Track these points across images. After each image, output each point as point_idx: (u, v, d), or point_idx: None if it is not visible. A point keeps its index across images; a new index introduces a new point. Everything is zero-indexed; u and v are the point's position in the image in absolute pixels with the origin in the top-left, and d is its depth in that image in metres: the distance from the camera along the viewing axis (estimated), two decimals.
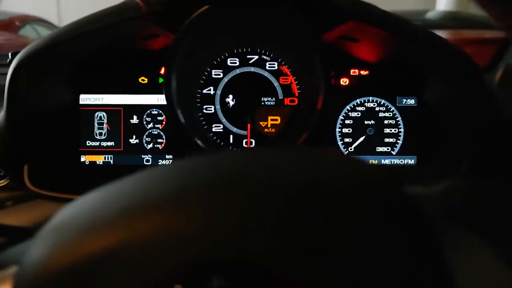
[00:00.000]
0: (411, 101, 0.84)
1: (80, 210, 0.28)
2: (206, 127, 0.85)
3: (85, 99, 0.83)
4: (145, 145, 0.84)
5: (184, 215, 0.26)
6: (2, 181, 0.71)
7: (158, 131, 0.84)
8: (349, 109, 0.84)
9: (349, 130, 0.84)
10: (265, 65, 0.85)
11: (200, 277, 0.26)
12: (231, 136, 0.86)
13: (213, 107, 0.85)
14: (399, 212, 0.28)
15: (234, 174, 0.28)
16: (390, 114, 0.84)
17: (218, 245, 0.25)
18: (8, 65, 0.82)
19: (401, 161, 0.84)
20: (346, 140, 0.84)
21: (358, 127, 0.84)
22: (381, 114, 0.84)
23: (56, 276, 0.25)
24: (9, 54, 0.93)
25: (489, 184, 0.31)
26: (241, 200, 0.26)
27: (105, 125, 0.83)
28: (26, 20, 3.89)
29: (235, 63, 0.85)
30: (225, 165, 0.30)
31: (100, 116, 0.83)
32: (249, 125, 0.84)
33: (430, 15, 3.69)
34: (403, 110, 0.84)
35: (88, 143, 0.83)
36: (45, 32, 4.00)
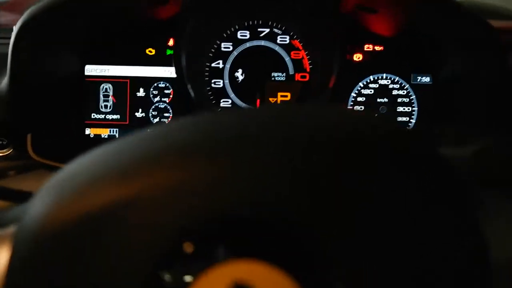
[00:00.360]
0: (426, 79, 0.81)
1: (81, 167, 0.26)
2: (214, 101, 0.83)
3: (91, 70, 0.80)
4: (151, 119, 0.82)
5: (195, 168, 0.24)
6: (5, 150, 0.69)
7: (165, 104, 0.82)
8: (362, 86, 0.81)
9: (361, 108, 0.82)
10: (276, 39, 0.82)
11: (213, 236, 0.24)
12: None
13: (221, 81, 0.83)
14: (430, 171, 0.25)
15: (245, 128, 0.26)
16: (404, 92, 0.81)
17: (232, 198, 0.23)
18: None
19: None
20: None
21: (370, 105, 0.82)
22: (394, 92, 0.81)
23: (56, 232, 0.23)
24: (14, 27, 0.91)
25: None
26: (254, 153, 0.24)
27: (110, 98, 0.81)
28: (32, 1, 3.85)
29: (245, 36, 0.82)
30: (235, 120, 0.28)
31: (106, 88, 0.81)
32: (258, 101, 0.82)
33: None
34: (417, 88, 0.81)
35: (93, 115, 0.81)
36: None
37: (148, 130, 0.28)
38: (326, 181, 0.23)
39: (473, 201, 0.26)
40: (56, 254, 0.23)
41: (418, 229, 0.23)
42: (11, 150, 0.69)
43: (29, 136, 0.69)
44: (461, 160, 0.28)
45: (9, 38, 0.88)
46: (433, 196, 0.24)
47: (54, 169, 0.69)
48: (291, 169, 0.23)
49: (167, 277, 0.23)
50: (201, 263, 0.23)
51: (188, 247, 0.24)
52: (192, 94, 0.75)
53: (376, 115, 0.28)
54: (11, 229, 0.28)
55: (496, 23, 0.66)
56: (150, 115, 0.82)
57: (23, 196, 0.41)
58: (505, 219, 0.27)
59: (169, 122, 0.28)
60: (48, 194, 0.25)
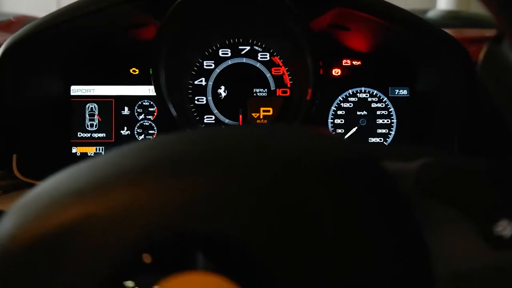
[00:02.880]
0: (404, 92, 0.83)
1: (47, 187, 0.28)
2: (198, 118, 0.85)
3: (76, 90, 0.83)
4: (137, 136, 0.84)
5: (152, 189, 0.26)
6: None
7: (150, 122, 0.84)
8: (342, 99, 0.84)
9: (341, 121, 0.84)
10: (257, 56, 0.85)
11: (169, 249, 0.26)
12: (223, 127, 0.85)
13: (205, 98, 0.85)
14: (373, 187, 0.27)
15: (209, 149, 0.28)
16: (382, 105, 0.83)
17: (186, 216, 0.25)
18: None
19: None
20: (338, 131, 0.84)
21: (350, 118, 0.84)
22: (373, 105, 0.84)
23: (22, 249, 0.25)
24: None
25: (465, 159, 0.31)
26: (212, 176, 0.26)
27: (96, 117, 0.83)
28: (26, 20, 3.88)
29: (227, 54, 0.85)
30: (200, 140, 0.30)
31: (91, 108, 0.83)
32: (240, 116, 0.84)
33: (431, 14, 3.68)
34: (395, 100, 0.83)
35: (80, 134, 0.83)
36: None
37: (109, 151, 0.30)
38: (269, 200, 0.25)
39: (415, 215, 0.28)
40: (19, 272, 0.25)
41: (363, 243, 0.25)
42: None
43: (14, 157, 0.71)
44: (409, 174, 0.30)
45: None
46: (374, 211, 0.26)
47: None
48: (240, 192, 0.25)
49: (128, 283, 0.25)
50: (159, 273, 0.25)
51: (146, 258, 0.26)
52: (174, 112, 0.76)
53: (323, 134, 0.30)
54: None
55: (488, 32, 0.68)
56: (135, 132, 0.84)
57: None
58: (449, 231, 0.29)
59: (130, 143, 0.30)
60: (13, 215, 0.27)
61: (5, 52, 0.66)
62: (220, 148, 0.28)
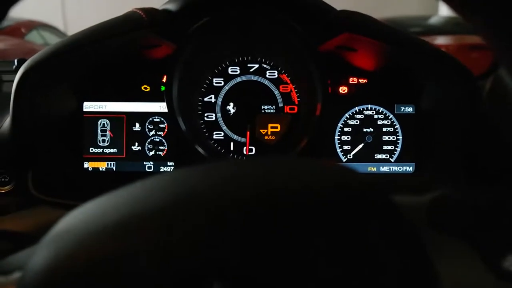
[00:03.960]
0: (409, 109, 0.85)
1: (80, 219, 0.30)
2: (207, 134, 0.87)
3: (89, 106, 0.84)
4: (147, 152, 0.85)
5: (176, 226, 0.27)
6: (7, 187, 0.73)
7: (160, 138, 0.85)
8: (348, 117, 0.85)
9: (348, 138, 0.85)
10: (266, 74, 0.86)
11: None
12: (232, 143, 0.87)
13: (214, 114, 0.87)
14: (384, 220, 0.29)
15: (214, 189, 0.30)
16: (388, 122, 0.85)
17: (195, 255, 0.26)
18: (14, 71, 0.84)
19: (400, 168, 0.85)
20: (345, 147, 0.86)
21: (357, 135, 0.85)
22: (379, 122, 0.85)
23: (56, 283, 0.27)
24: (15, 61, 0.95)
25: (473, 193, 0.32)
26: (209, 216, 0.27)
27: (108, 132, 0.85)
28: (32, 25, 3.92)
29: (236, 71, 0.86)
30: (219, 175, 0.32)
31: (103, 124, 0.85)
32: (248, 133, 0.86)
33: (433, 20, 3.70)
34: (401, 117, 0.85)
35: (91, 149, 0.85)
36: (50, 37, 4.04)
37: (134, 185, 0.32)
38: (272, 237, 0.26)
39: (425, 247, 0.29)
40: None
41: (375, 275, 0.27)
42: (12, 187, 0.73)
43: (30, 173, 0.72)
44: (419, 207, 0.32)
45: (10, 71, 0.92)
46: (386, 244, 0.28)
47: (54, 204, 0.72)
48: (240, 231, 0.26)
49: None
50: None
51: None
52: (183, 127, 0.78)
53: (332, 166, 0.32)
54: (14, 277, 0.31)
55: (471, 39, 0.70)
56: (146, 148, 0.85)
57: (25, 239, 0.44)
58: (459, 264, 0.30)
59: (154, 177, 0.32)
60: (47, 247, 0.29)
61: (24, 74, 0.68)
62: (243, 185, 0.29)
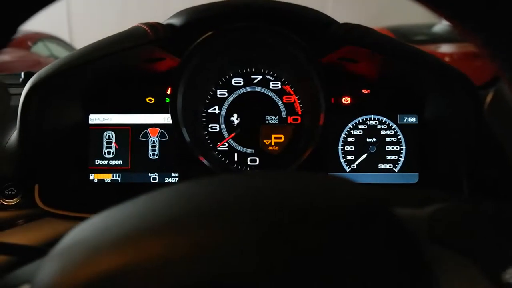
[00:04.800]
0: (412, 119, 0.85)
1: (87, 233, 0.30)
2: (211, 145, 0.87)
3: (94, 119, 0.85)
4: (152, 163, 0.86)
5: (181, 240, 0.28)
6: (14, 199, 0.73)
7: (165, 149, 0.86)
8: (351, 127, 0.86)
9: (351, 148, 0.86)
10: (269, 85, 0.87)
11: None
12: (236, 154, 0.87)
13: (218, 125, 0.88)
14: (385, 233, 0.29)
15: (232, 199, 0.30)
16: (391, 132, 0.85)
17: (213, 268, 0.27)
18: (21, 84, 0.85)
19: (403, 178, 0.85)
20: (349, 157, 0.86)
21: (360, 145, 0.86)
22: (382, 132, 0.86)
23: None
24: (22, 73, 0.96)
25: (474, 207, 0.33)
26: (230, 227, 0.28)
27: (113, 144, 0.86)
28: (38, 37, 3.97)
29: (240, 83, 0.87)
30: (226, 189, 0.32)
31: (109, 135, 0.86)
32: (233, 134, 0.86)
33: (437, 28, 3.71)
34: (404, 128, 0.85)
35: (97, 161, 0.86)
36: (57, 49, 4.08)
37: (140, 198, 0.32)
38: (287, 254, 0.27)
39: (426, 261, 0.30)
40: None
41: (374, 285, 0.27)
42: (19, 199, 0.73)
43: (36, 186, 0.73)
44: (421, 220, 0.32)
45: (17, 84, 0.94)
46: (386, 257, 0.28)
47: (61, 217, 0.73)
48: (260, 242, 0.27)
49: None
50: None
51: None
52: (187, 138, 0.79)
53: (333, 179, 0.33)
54: None
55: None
56: (151, 159, 0.86)
57: (33, 252, 0.45)
58: (460, 278, 0.30)
59: (159, 191, 0.33)
60: (54, 261, 0.29)
61: (31, 89, 0.69)
62: (247, 199, 0.30)
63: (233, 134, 0.87)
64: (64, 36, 4.87)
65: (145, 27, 0.71)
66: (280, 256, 0.27)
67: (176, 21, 0.74)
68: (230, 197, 0.31)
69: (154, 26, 0.71)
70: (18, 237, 0.69)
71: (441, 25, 3.71)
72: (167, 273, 0.27)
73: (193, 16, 0.72)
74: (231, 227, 0.28)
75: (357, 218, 0.29)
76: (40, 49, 3.84)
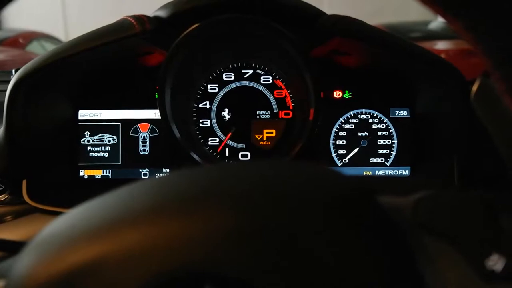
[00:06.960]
0: (404, 113, 0.85)
1: (62, 226, 0.30)
2: (202, 140, 0.87)
3: (84, 114, 0.85)
4: (142, 159, 0.85)
5: (156, 230, 0.27)
6: (2, 195, 0.73)
7: (155, 145, 0.85)
8: (343, 121, 0.85)
9: (343, 142, 0.85)
10: (260, 79, 0.87)
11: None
12: (227, 149, 0.87)
13: (209, 121, 0.87)
14: (370, 221, 0.29)
15: (215, 189, 0.30)
16: (383, 126, 0.85)
17: (184, 258, 0.26)
18: None
19: (395, 172, 0.85)
20: (340, 151, 0.85)
21: (352, 139, 0.85)
22: (374, 126, 0.85)
23: None
24: (13, 71, 0.95)
25: (459, 194, 0.32)
26: (205, 216, 0.27)
27: (103, 140, 0.85)
28: (33, 36, 3.95)
29: (231, 77, 0.87)
30: (207, 179, 0.32)
31: (99, 131, 0.85)
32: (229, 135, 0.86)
33: (433, 25, 3.71)
34: (396, 121, 0.85)
35: (87, 157, 0.85)
36: (51, 48, 4.06)
37: (118, 190, 0.32)
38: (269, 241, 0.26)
39: (410, 248, 0.29)
40: None
41: (361, 275, 0.27)
42: (7, 196, 0.73)
43: (24, 182, 0.73)
44: (405, 208, 0.32)
45: (8, 81, 0.93)
46: (371, 244, 0.28)
47: (49, 212, 0.72)
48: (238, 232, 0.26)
49: None
50: None
51: None
52: (177, 134, 0.78)
53: (318, 169, 0.32)
54: (0, 284, 0.31)
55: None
56: (141, 155, 0.85)
57: (21, 248, 0.44)
58: (443, 265, 0.30)
59: (140, 181, 0.32)
60: (29, 254, 0.29)
61: (16, 83, 0.68)
62: (227, 187, 0.30)
63: (230, 134, 0.86)
64: (60, 35, 4.85)
65: (131, 19, 0.70)
66: (258, 244, 0.26)
67: (163, 13, 0.73)
68: (209, 186, 0.30)
69: (140, 19, 0.70)
70: (6, 233, 0.68)
71: (437, 22, 3.71)
72: (142, 263, 0.26)
73: (180, 7, 0.72)
74: (209, 216, 0.27)
75: (342, 206, 0.29)
76: (35, 48, 3.82)
